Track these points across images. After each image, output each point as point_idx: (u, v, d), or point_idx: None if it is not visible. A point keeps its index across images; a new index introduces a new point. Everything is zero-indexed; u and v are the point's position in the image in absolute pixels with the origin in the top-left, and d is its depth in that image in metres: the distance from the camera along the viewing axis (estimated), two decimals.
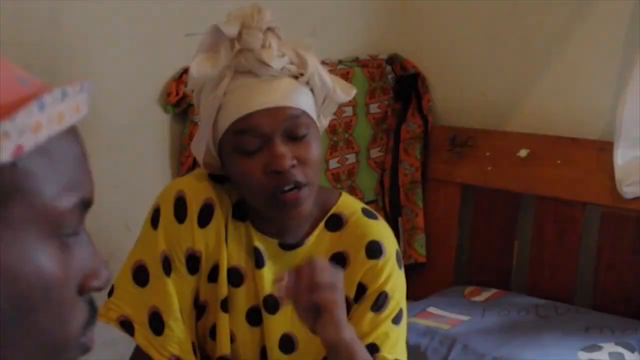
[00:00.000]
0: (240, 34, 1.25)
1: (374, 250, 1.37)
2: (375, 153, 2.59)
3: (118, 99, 1.94)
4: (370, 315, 1.35)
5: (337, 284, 1.22)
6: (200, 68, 1.28)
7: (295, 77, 1.29)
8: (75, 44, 1.82)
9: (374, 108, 2.56)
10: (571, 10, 2.34)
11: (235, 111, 1.26)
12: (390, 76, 2.61)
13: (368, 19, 2.59)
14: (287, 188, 1.26)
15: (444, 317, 2.19)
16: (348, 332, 1.23)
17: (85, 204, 0.67)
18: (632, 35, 2.21)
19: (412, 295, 2.57)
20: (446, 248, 2.56)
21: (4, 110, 0.60)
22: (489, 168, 2.45)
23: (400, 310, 1.38)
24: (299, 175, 1.27)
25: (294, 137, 1.28)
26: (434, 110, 2.61)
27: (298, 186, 1.27)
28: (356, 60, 2.52)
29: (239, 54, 1.26)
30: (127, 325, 1.37)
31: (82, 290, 0.67)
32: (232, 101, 1.27)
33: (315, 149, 1.30)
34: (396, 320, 1.37)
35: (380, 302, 1.36)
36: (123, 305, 1.38)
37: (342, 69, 2.44)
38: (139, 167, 1.99)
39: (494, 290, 2.37)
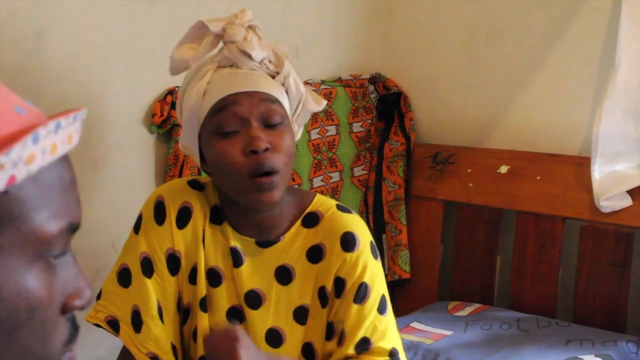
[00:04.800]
0: (224, 29, 1.38)
1: (348, 241, 1.42)
2: (359, 171, 2.62)
3: (104, 120, 1.96)
4: (355, 307, 1.40)
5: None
6: (180, 53, 1.42)
7: (272, 77, 1.39)
8: (60, 66, 1.84)
9: (357, 127, 2.60)
10: (548, 30, 2.39)
11: (216, 94, 1.35)
12: (373, 95, 2.65)
13: (351, 40, 2.63)
14: (261, 171, 1.33)
15: (427, 332, 2.21)
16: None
17: (73, 229, 0.70)
18: (607, 53, 2.25)
19: (397, 311, 2.61)
20: (430, 264, 2.59)
21: (0, 143, 0.62)
22: (471, 184, 2.49)
23: (383, 298, 1.43)
24: (272, 161, 1.34)
25: (268, 124, 1.36)
26: (417, 128, 2.65)
27: (271, 172, 1.34)
28: (339, 80, 2.56)
29: (223, 48, 1.38)
30: (113, 324, 1.45)
31: (65, 309, 0.70)
32: (214, 87, 1.36)
33: (288, 140, 1.38)
34: (381, 309, 1.42)
35: (362, 293, 1.41)
36: (109, 305, 1.45)
37: (325, 89, 2.48)
38: (125, 187, 2.01)
39: (476, 305, 2.40)
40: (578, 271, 2.30)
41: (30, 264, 0.66)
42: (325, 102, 1.48)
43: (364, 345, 1.39)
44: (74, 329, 0.71)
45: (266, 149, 1.33)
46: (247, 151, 1.33)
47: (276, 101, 1.37)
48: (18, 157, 0.62)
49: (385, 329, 1.42)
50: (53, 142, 0.65)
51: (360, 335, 1.40)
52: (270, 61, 1.39)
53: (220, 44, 1.40)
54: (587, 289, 2.28)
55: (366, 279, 1.41)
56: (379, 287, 1.43)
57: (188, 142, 1.42)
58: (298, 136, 1.47)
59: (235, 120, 1.34)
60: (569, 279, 2.34)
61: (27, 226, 0.65)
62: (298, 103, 1.43)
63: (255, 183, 1.34)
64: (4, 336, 0.65)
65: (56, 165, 0.68)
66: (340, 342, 1.41)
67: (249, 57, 1.36)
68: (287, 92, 1.41)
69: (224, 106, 1.34)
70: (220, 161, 1.36)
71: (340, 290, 1.41)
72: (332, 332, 1.42)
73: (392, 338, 1.43)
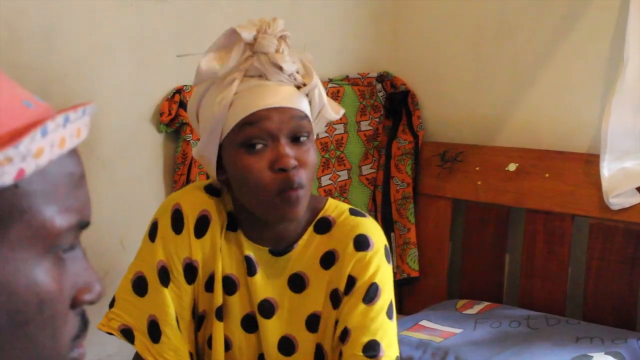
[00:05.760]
0: (255, 38, 1.31)
1: (362, 242, 1.40)
2: (367, 170, 2.62)
3: (112, 119, 1.96)
4: (362, 307, 1.38)
5: None
6: (209, 63, 1.32)
7: (298, 87, 1.35)
8: (68, 65, 1.85)
9: (365, 125, 2.60)
10: (556, 27, 2.38)
11: (245, 109, 1.30)
12: (381, 94, 2.65)
13: (358, 38, 2.63)
14: (290, 188, 1.30)
15: (436, 330, 2.21)
16: None
17: (83, 225, 0.70)
18: (615, 50, 2.25)
19: (406, 309, 2.61)
20: (438, 262, 2.59)
21: (9, 136, 0.62)
22: (479, 182, 2.49)
23: (391, 304, 1.41)
24: (300, 176, 1.31)
25: (296, 139, 1.33)
26: (425, 126, 2.65)
27: (299, 187, 1.32)
28: (347, 78, 2.56)
29: (252, 57, 1.31)
30: (127, 334, 1.42)
31: (75, 303, 0.70)
32: (242, 100, 1.31)
33: (313, 155, 1.35)
34: (389, 313, 1.40)
35: (372, 293, 1.38)
36: (124, 314, 1.43)
37: (333, 87, 2.48)
38: (133, 186, 2.01)
39: (486, 303, 2.39)
40: (587, 269, 2.29)
41: (40, 258, 0.66)
42: (343, 111, 1.45)
43: (374, 349, 1.36)
44: (84, 323, 0.71)
45: (294, 167, 1.31)
46: (276, 168, 1.30)
47: (305, 117, 1.34)
48: (27, 150, 0.62)
49: (392, 335, 1.40)
50: (62, 135, 0.65)
51: (369, 336, 1.36)
52: (298, 72, 1.35)
53: (248, 51, 1.33)
54: (597, 286, 2.28)
55: (377, 280, 1.39)
56: (388, 292, 1.41)
57: (207, 152, 1.37)
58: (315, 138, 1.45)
59: (264, 136, 1.30)
60: (579, 276, 2.34)
61: (36, 220, 0.65)
62: (318, 113, 1.40)
63: (282, 198, 1.31)
64: (13, 330, 0.65)
65: (65, 160, 0.67)
66: (344, 340, 1.38)
67: (280, 69, 1.31)
68: (310, 102, 1.38)
69: (254, 121, 1.30)
70: (246, 176, 1.32)
71: (350, 288, 1.39)
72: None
73: (396, 346, 1.41)
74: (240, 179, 1.34)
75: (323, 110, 1.39)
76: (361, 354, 1.36)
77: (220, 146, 1.35)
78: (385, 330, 1.38)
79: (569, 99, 2.39)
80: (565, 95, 2.39)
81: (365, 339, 1.36)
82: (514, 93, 2.49)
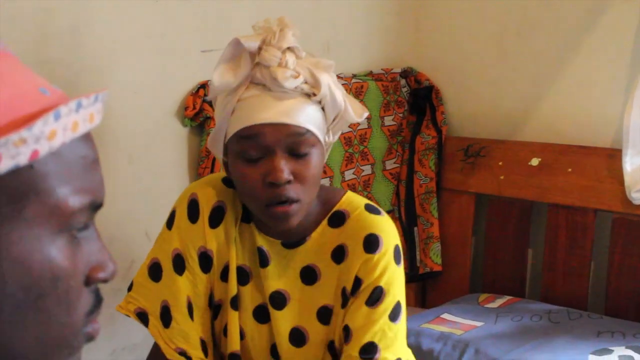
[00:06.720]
0: (259, 49, 1.30)
1: (371, 243, 1.40)
2: (390, 164, 2.64)
3: (138, 113, 2.01)
4: (364, 309, 1.39)
5: None
6: (222, 77, 1.32)
7: (308, 95, 1.32)
8: (96, 60, 1.89)
9: (388, 120, 2.62)
10: (579, 21, 2.38)
11: (243, 119, 1.31)
12: (405, 89, 2.66)
13: (382, 34, 2.65)
14: (277, 201, 1.31)
15: (457, 323, 2.22)
16: None
17: (95, 206, 0.73)
18: (638, 44, 2.25)
19: (429, 303, 2.63)
20: (461, 257, 2.60)
21: (24, 120, 0.66)
22: (502, 177, 2.49)
23: (398, 305, 1.41)
24: (292, 191, 1.31)
25: (295, 154, 1.32)
26: (448, 121, 2.66)
27: (289, 201, 1.31)
28: (370, 74, 2.58)
29: (256, 67, 1.30)
30: (143, 317, 1.47)
31: (89, 281, 0.74)
32: (243, 109, 1.31)
33: (314, 168, 1.33)
34: (393, 316, 1.40)
35: (375, 296, 1.39)
36: (140, 298, 1.48)
37: (357, 83, 2.50)
38: (158, 178, 2.06)
39: (508, 297, 2.40)
40: (610, 263, 2.29)
41: (55, 236, 0.69)
42: (366, 114, 1.42)
43: (370, 352, 1.37)
44: (98, 300, 0.75)
45: (288, 182, 1.30)
46: (267, 182, 1.30)
47: (306, 132, 1.31)
48: (40, 132, 0.65)
49: (394, 337, 1.39)
50: (74, 119, 0.69)
51: (367, 338, 1.38)
52: (306, 82, 1.31)
53: (256, 58, 1.31)
54: (619, 281, 2.28)
55: (382, 283, 1.39)
56: (395, 293, 1.40)
57: (214, 149, 1.40)
58: (333, 139, 1.42)
59: (259, 149, 1.31)
60: (601, 271, 2.34)
61: (51, 200, 0.69)
62: (336, 115, 1.38)
63: (270, 211, 1.32)
64: (30, 304, 0.68)
65: (79, 144, 0.71)
66: (346, 340, 1.40)
67: (281, 85, 1.29)
68: (323, 108, 1.35)
69: (250, 135, 1.30)
70: (242, 183, 1.35)
71: (356, 290, 1.40)
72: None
73: (399, 348, 1.41)
74: (237, 184, 1.37)
75: (342, 114, 1.37)
76: (357, 354, 1.38)
77: (226, 148, 1.37)
78: (385, 332, 1.38)
79: (591, 94, 2.39)
80: (588, 90, 2.39)
81: (364, 341, 1.38)
82: (537, 88, 2.50)
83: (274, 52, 1.28)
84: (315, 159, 1.34)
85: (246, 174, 1.32)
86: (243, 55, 1.30)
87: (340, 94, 1.36)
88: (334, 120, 1.38)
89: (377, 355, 1.37)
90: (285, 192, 1.30)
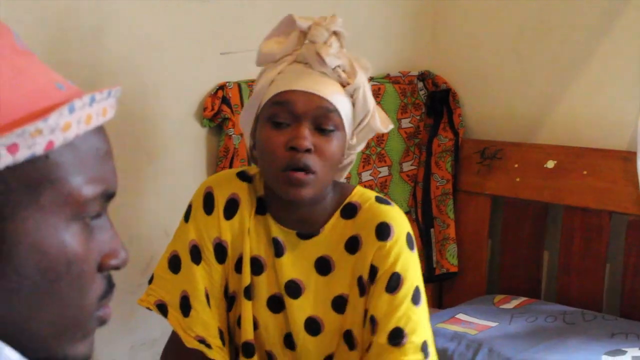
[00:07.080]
0: (309, 28, 1.41)
1: (383, 230, 1.44)
2: (407, 166, 2.67)
3: (158, 114, 2.05)
4: (386, 296, 1.42)
5: None
6: (268, 47, 1.44)
7: (343, 86, 1.41)
8: (117, 63, 1.94)
9: (406, 123, 2.64)
10: (596, 24, 2.40)
11: (280, 86, 1.40)
12: (422, 92, 2.69)
13: (399, 37, 2.67)
14: (295, 167, 1.37)
15: (472, 323, 2.24)
16: None
17: (108, 195, 0.77)
18: None
19: (445, 304, 2.65)
20: (477, 258, 2.62)
21: (40, 112, 0.70)
22: (518, 179, 2.51)
23: (417, 290, 1.44)
24: (310, 160, 1.37)
25: (320, 128, 1.39)
26: (465, 124, 2.68)
27: (306, 170, 1.37)
28: (388, 76, 2.61)
29: (303, 46, 1.41)
30: (162, 308, 1.52)
31: (102, 267, 0.78)
32: (281, 79, 1.40)
33: (334, 147, 1.40)
34: (415, 300, 1.43)
35: (394, 283, 1.42)
36: (160, 290, 1.52)
37: (374, 85, 2.53)
38: (178, 177, 2.09)
39: (523, 299, 2.42)
40: (625, 266, 2.30)
41: (69, 223, 0.73)
42: (391, 126, 1.51)
43: (398, 337, 1.40)
44: (110, 286, 0.79)
45: (308, 150, 1.36)
46: (288, 146, 1.37)
47: (334, 110, 1.39)
48: (55, 124, 0.69)
49: (418, 320, 1.43)
50: (88, 113, 0.73)
51: (393, 324, 1.41)
52: (344, 70, 1.40)
53: (305, 40, 1.42)
54: (635, 283, 2.28)
55: (398, 269, 1.42)
56: (412, 278, 1.44)
57: (244, 121, 1.48)
58: (358, 149, 1.50)
59: (288, 115, 1.38)
60: (616, 273, 2.35)
61: (65, 189, 0.73)
62: (363, 118, 1.44)
63: (286, 176, 1.37)
64: (45, 287, 0.72)
65: (92, 136, 0.75)
66: (373, 331, 1.43)
67: (323, 61, 1.38)
68: (354, 104, 1.42)
69: (282, 101, 1.38)
70: (265, 147, 1.40)
71: (373, 278, 1.44)
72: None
73: (423, 330, 1.44)
74: (261, 150, 1.42)
75: (368, 118, 1.44)
76: (385, 342, 1.41)
77: (256, 119, 1.44)
78: (409, 317, 1.42)
79: (607, 97, 2.40)
80: (604, 92, 2.40)
81: (390, 327, 1.41)
82: (553, 91, 2.51)
83: (322, 31, 1.39)
84: (336, 142, 1.40)
85: (271, 137, 1.39)
86: (293, 32, 1.41)
87: (371, 96, 1.44)
88: (360, 122, 1.44)
89: (404, 340, 1.40)
90: (304, 159, 1.36)
